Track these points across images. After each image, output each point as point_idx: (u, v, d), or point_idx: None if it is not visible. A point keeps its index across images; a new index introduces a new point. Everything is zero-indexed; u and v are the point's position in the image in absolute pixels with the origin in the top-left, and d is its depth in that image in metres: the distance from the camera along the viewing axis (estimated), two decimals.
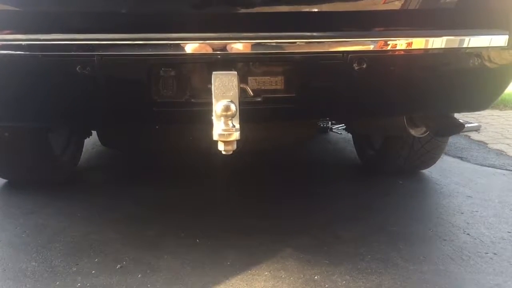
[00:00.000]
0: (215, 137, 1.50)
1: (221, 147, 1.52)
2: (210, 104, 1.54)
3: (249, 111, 1.66)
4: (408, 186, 2.74)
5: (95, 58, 1.55)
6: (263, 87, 1.81)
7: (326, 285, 1.65)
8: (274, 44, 1.67)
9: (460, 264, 1.81)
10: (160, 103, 1.69)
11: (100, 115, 1.79)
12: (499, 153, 3.56)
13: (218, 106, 1.50)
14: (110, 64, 1.56)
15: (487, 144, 3.81)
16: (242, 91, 1.70)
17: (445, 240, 2.02)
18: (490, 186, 2.77)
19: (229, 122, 1.51)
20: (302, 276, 1.71)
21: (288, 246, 1.95)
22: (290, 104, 1.80)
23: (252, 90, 1.74)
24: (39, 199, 2.44)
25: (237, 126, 1.52)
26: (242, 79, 1.73)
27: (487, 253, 1.91)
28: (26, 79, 1.61)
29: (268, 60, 1.73)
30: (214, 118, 1.53)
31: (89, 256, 1.87)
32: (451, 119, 2.07)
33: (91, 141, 3.14)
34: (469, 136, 4.04)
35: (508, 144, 3.84)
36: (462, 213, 2.33)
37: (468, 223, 2.21)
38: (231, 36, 1.65)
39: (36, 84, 1.62)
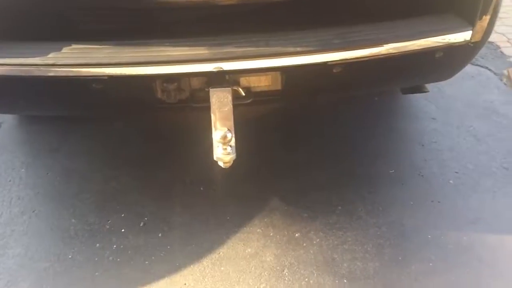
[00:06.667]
0: (215, 158, 1.86)
1: (220, 163, 1.89)
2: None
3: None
4: (381, 104, 3.09)
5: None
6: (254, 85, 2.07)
7: (304, 244, 2.20)
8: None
9: (409, 215, 2.33)
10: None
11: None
12: None
13: (216, 135, 1.83)
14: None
15: None
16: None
17: (402, 184, 2.51)
18: (454, 100, 3.15)
19: (227, 147, 1.85)
20: (286, 233, 2.24)
21: (274, 194, 2.43)
22: (277, 96, 2.09)
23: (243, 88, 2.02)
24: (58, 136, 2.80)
25: (234, 148, 1.87)
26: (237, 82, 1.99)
27: (432, 201, 2.42)
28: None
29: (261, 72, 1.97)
30: (213, 140, 1.86)
31: (116, 211, 2.35)
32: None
33: None
34: None
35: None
36: (422, 145, 2.77)
37: (425, 160, 2.67)
38: (226, 56, 1.87)
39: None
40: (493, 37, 3.74)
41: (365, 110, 3.06)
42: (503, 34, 4.00)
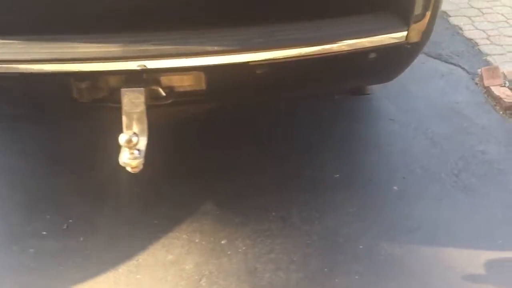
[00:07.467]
0: (121, 163, 1.76)
1: (128, 168, 1.79)
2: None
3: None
4: (339, 103, 2.95)
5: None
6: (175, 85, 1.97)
7: (229, 252, 2.09)
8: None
9: (346, 223, 2.22)
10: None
11: None
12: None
13: (121, 138, 1.73)
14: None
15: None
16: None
17: (347, 189, 2.39)
18: (418, 100, 3.01)
19: (133, 151, 1.75)
20: (212, 240, 2.14)
21: (210, 197, 2.33)
22: (201, 96, 1.99)
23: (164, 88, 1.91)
24: None
25: (142, 151, 1.76)
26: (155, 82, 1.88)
27: (373, 208, 2.31)
28: None
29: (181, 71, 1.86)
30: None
31: (42, 211, 2.26)
32: None
33: None
34: None
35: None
36: (378, 147, 2.64)
37: (376, 163, 2.55)
38: (142, 54, 1.77)
39: None
40: (472, 34, 3.61)
41: (322, 110, 2.93)
42: (484, 31, 3.82)
